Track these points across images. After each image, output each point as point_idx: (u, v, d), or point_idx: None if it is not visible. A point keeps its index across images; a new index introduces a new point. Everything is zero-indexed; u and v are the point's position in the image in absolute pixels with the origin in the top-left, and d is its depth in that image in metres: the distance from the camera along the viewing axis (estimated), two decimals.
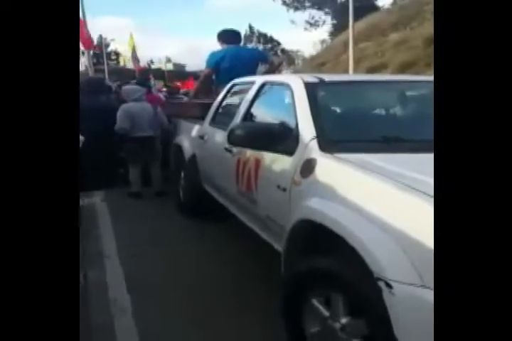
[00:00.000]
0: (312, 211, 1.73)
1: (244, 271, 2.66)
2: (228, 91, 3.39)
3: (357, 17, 10.57)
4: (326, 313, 1.59)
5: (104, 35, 23.41)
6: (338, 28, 20.12)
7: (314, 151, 1.90)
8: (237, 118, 2.81)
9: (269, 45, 28.19)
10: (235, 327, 2.08)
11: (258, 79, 2.89)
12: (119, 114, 4.18)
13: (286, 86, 2.40)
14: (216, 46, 4.48)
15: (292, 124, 2.15)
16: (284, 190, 1.99)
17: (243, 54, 4.31)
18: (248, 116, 2.73)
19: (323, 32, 26.20)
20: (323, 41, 23.96)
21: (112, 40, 29.39)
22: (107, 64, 17.77)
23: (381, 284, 1.28)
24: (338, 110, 2.25)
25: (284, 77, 2.79)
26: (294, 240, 1.85)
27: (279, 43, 28.87)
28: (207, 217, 3.54)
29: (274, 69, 4.38)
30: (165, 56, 34.76)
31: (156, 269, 2.73)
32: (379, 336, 1.36)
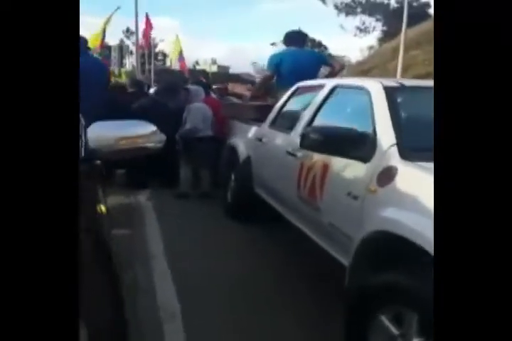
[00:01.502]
0: (391, 222, 1.67)
1: (294, 274, 2.64)
2: (292, 94, 3.39)
3: (409, 24, 10.40)
4: (396, 331, 1.52)
5: (153, 36, 24.26)
6: (388, 35, 19.88)
7: (394, 159, 1.85)
8: (303, 122, 2.80)
9: (317, 50, 28.28)
10: (286, 332, 2.03)
11: (328, 83, 2.87)
12: (192, 114, 4.26)
13: (363, 90, 2.37)
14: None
15: (368, 130, 2.11)
16: (356, 197, 1.95)
17: (304, 56, 4.28)
18: (316, 120, 2.71)
19: (372, 38, 25.94)
20: (370, 47, 23.73)
21: (162, 40, 30.37)
22: (154, 64, 18.32)
23: None
24: (418, 116, 2.19)
25: (359, 80, 2.76)
26: (364, 251, 1.80)
27: (326, 48, 28.88)
28: (254, 220, 3.53)
29: (336, 73, 4.36)
30: (210, 58, 35.56)
31: (204, 271, 2.73)
32: None
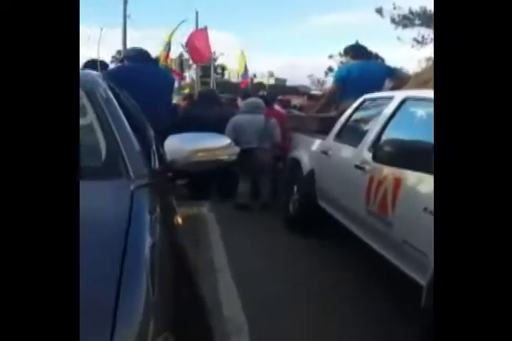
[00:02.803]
0: None
1: (363, 290, 2.59)
2: (359, 107, 3.36)
3: None
4: None
5: (213, 49, 24.97)
6: None
7: None
8: (372, 135, 2.77)
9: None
10: None
11: (397, 95, 2.82)
12: (227, 125, 4.35)
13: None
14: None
15: None
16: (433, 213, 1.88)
17: (371, 69, 4.29)
18: (385, 133, 2.67)
19: (430, 49, 25.02)
20: (429, 59, 22.90)
21: (222, 54, 31.29)
22: (213, 77, 18.78)
23: None
24: None
25: (431, 92, 2.68)
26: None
27: (383, 60, 28.31)
28: (317, 233, 3.50)
29: (402, 85, 4.27)
30: (267, 71, 36.06)
31: (269, 284, 2.73)
32: None
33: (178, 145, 1.88)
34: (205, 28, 9.73)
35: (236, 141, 4.33)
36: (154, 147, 1.96)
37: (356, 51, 4.43)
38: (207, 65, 17.77)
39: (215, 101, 5.02)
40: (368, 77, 4.08)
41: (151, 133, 2.36)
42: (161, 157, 1.84)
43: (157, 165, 1.70)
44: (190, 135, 1.96)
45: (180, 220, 1.64)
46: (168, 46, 9.84)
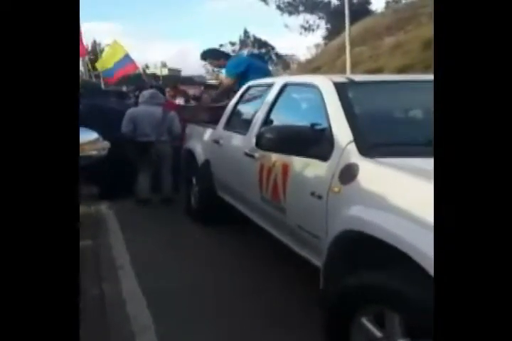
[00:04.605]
0: (358, 221, 1.55)
1: (267, 277, 2.48)
2: (243, 95, 3.21)
3: (351, 21, 10.44)
4: (379, 333, 1.41)
5: (98, 41, 23.03)
6: (333, 33, 20.01)
7: (354, 156, 1.73)
8: (257, 122, 2.64)
9: (264, 50, 28.03)
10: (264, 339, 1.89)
11: (278, 81, 2.72)
12: (124, 118, 4.00)
13: (313, 87, 2.23)
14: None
15: (324, 127, 1.98)
16: (320, 197, 1.81)
17: (260, 63, 4.35)
18: (270, 119, 2.56)
19: (318, 36, 26.05)
20: (317, 45, 23.83)
21: (108, 45, 29.04)
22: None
23: None
24: (371, 112, 2.08)
25: (309, 77, 2.62)
26: (335, 252, 1.68)
27: (273, 48, 28.73)
28: (221, 225, 3.35)
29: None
30: (160, 61, 34.35)
31: (174, 280, 2.53)
32: None
33: None
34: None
35: (133, 134, 3.99)
36: None
37: (216, 55, 4.52)
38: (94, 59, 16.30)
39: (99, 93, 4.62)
40: (260, 71, 4.04)
41: None
42: None
43: None
44: None
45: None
46: None
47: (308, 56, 19.71)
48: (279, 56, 26.88)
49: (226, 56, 4.65)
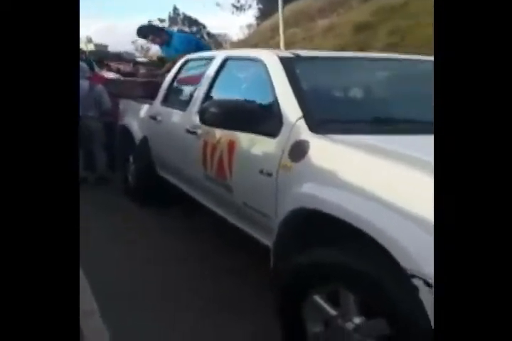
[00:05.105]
0: (311, 198, 1.48)
1: (214, 259, 2.37)
2: (181, 68, 2.98)
3: (284, 2, 10.30)
4: (333, 312, 1.38)
5: None
6: (265, 13, 19.70)
7: (304, 132, 1.64)
8: (198, 98, 2.45)
9: (195, 28, 26.85)
10: (214, 326, 1.79)
11: (219, 54, 2.53)
12: None
13: (257, 61, 2.09)
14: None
15: (271, 103, 1.86)
16: (270, 174, 1.72)
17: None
18: (211, 94, 2.39)
19: (250, 16, 25.52)
20: (250, 26, 23.36)
21: None
22: None
23: (418, 282, 1.08)
24: (319, 88, 2.00)
25: (252, 51, 2.46)
26: (286, 230, 1.60)
27: (204, 27, 27.62)
28: (161, 204, 3.15)
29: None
30: (85, 36, 31.58)
31: (114, 262, 2.33)
32: (404, 336, 1.17)
33: None
34: None
35: None
36: None
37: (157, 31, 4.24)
38: None
39: None
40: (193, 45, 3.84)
41: None
42: None
43: None
44: None
45: None
46: None
47: (241, 36, 19.34)
48: (210, 35, 25.91)
49: (167, 33, 4.32)
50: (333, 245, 1.40)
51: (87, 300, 1.93)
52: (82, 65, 3.85)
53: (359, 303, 1.28)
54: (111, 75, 4.79)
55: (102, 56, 6.93)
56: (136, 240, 2.67)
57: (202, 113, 1.83)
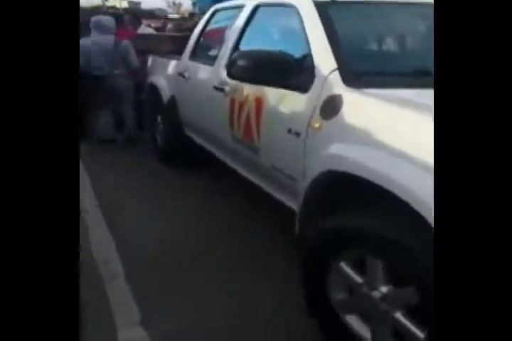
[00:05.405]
0: (341, 159, 1.39)
1: (239, 222, 2.36)
2: (210, 19, 2.84)
3: None
4: (360, 279, 1.33)
5: None
6: None
7: (337, 86, 1.52)
8: (227, 51, 2.34)
9: None
10: (234, 290, 1.80)
11: (249, 2, 2.37)
12: (84, 50, 3.54)
13: (290, 7, 1.93)
14: None
15: (303, 54, 1.73)
16: (298, 134, 1.63)
17: None
18: (241, 46, 2.26)
19: None
20: None
21: None
22: None
23: None
24: (357, 37, 1.83)
25: None
26: (313, 194, 1.53)
27: None
28: (190, 166, 3.15)
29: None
30: None
31: (143, 224, 2.38)
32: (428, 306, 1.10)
33: None
34: None
35: (86, 68, 3.57)
36: None
37: None
38: None
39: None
40: None
41: None
42: None
43: None
44: None
45: None
46: None
47: None
48: None
49: None
50: (361, 209, 1.32)
51: (114, 262, 2.00)
52: (109, 19, 3.77)
53: (387, 270, 1.22)
54: (146, 31, 4.69)
55: (135, 13, 6.82)
56: (163, 201, 2.71)
57: (229, 66, 1.75)
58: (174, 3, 20.25)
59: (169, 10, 20.76)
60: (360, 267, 1.32)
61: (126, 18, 4.95)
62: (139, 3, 27.62)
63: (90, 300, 1.58)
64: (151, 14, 10.51)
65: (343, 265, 1.36)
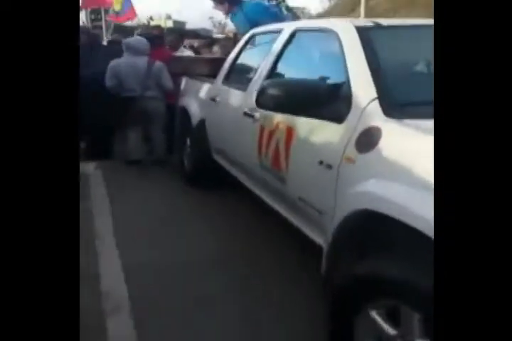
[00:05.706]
0: (375, 198, 1.28)
1: (261, 252, 2.28)
2: (246, 44, 2.85)
3: None
4: (392, 331, 1.19)
5: None
6: None
7: (376, 117, 1.43)
8: (261, 76, 2.31)
9: (274, 2, 26.58)
10: (252, 327, 1.68)
11: (288, 26, 2.35)
12: (114, 70, 3.65)
13: (330, 32, 1.89)
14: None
15: (341, 81, 1.66)
16: (330, 167, 1.54)
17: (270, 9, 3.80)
18: (275, 72, 2.23)
19: None
20: None
21: None
22: (105, 20, 16.87)
23: None
24: (401, 63, 1.75)
25: (325, 22, 2.26)
26: (345, 234, 1.42)
27: (284, 0, 27.28)
28: (214, 191, 3.10)
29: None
30: (165, 13, 32.99)
31: (157, 256, 2.31)
32: None
33: None
34: None
35: (119, 89, 3.66)
36: None
37: None
38: (97, 9, 15.84)
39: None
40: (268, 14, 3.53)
41: None
42: None
43: None
44: None
45: None
46: None
47: (320, 10, 18.70)
48: (289, 9, 25.49)
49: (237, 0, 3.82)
50: (398, 256, 1.20)
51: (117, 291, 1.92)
52: (142, 41, 3.86)
53: (423, 322, 1.09)
54: (186, 53, 4.79)
55: (180, 33, 7.06)
56: (186, 223, 2.67)
57: (259, 95, 1.69)
58: (220, 24, 21.02)
59: (214, 30, 21.56)
60: (394, 317, 1.19)
61: (169, 38, 5.06)
62: (184, 23, 28.92)
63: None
64: (196, 34, 10.89)
65: (374, 314, 1.23)
